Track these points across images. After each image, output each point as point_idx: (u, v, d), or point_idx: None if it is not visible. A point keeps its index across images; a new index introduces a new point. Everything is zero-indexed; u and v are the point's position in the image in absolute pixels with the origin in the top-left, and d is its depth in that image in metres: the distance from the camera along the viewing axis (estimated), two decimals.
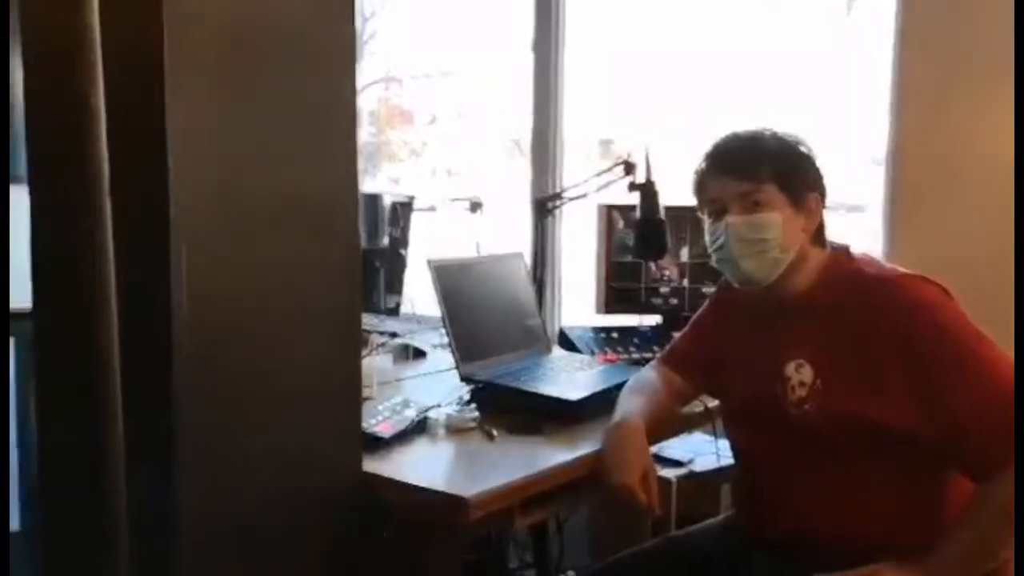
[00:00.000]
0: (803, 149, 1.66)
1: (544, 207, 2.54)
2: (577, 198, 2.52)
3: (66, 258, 1.26)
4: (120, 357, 1.21)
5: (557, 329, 2.61)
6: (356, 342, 1.56)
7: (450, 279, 2.05)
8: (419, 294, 2.66)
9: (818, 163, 1.67)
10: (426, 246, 2.74)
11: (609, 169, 2.38)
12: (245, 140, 1.34)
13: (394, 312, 2.68)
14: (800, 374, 1.60)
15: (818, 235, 1.66)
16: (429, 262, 2.03)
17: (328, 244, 1.47)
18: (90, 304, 1.21)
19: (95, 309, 1.21)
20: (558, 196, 2.61)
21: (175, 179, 1.23)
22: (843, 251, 1.67)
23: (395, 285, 2.67)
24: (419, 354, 2.48)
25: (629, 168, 2.31)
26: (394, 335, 2.41)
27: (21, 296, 2.25)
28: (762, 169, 1.61)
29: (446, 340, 2.06)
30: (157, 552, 1.29)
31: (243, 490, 1.38)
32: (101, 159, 1.17)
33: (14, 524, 2.50)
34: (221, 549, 1.35)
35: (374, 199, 2.55)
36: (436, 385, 2.10)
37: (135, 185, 1.23)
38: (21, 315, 2.40)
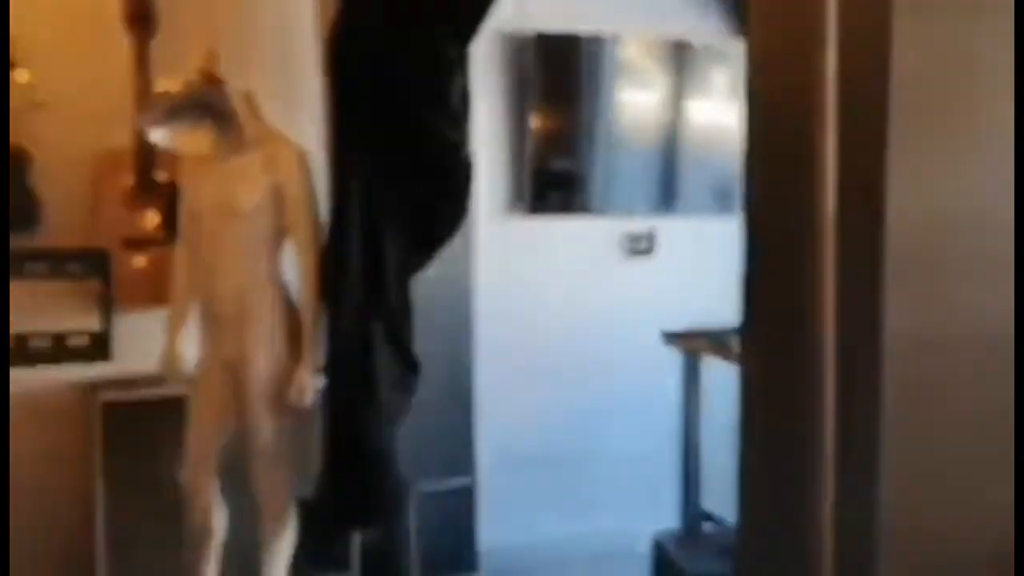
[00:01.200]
0: None
1: None
2: None
3: (782, 288, 1.34)
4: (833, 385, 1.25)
5: None
6: None
7: None
8: None
9: None
10: None
11: None
12: (962, 179, 1.29)
13: None
14: None
15: None
16: None
17: None
18: (804, 335, 1.27)
19: (809, 341, 1.26)
20: None
21: (891, 220, 1.24)
22: None
23: None
24: None
25: None
26: None
27: (713, 317, 2.45)
28: None
29: None
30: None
31: (935, 515, 1.33)
32: (826, 203, 1.22)
33: (672, 523, 2.74)
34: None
35: None
36: None
37: (852, 225, 1.27)
38: (689, 335, 2.62)
